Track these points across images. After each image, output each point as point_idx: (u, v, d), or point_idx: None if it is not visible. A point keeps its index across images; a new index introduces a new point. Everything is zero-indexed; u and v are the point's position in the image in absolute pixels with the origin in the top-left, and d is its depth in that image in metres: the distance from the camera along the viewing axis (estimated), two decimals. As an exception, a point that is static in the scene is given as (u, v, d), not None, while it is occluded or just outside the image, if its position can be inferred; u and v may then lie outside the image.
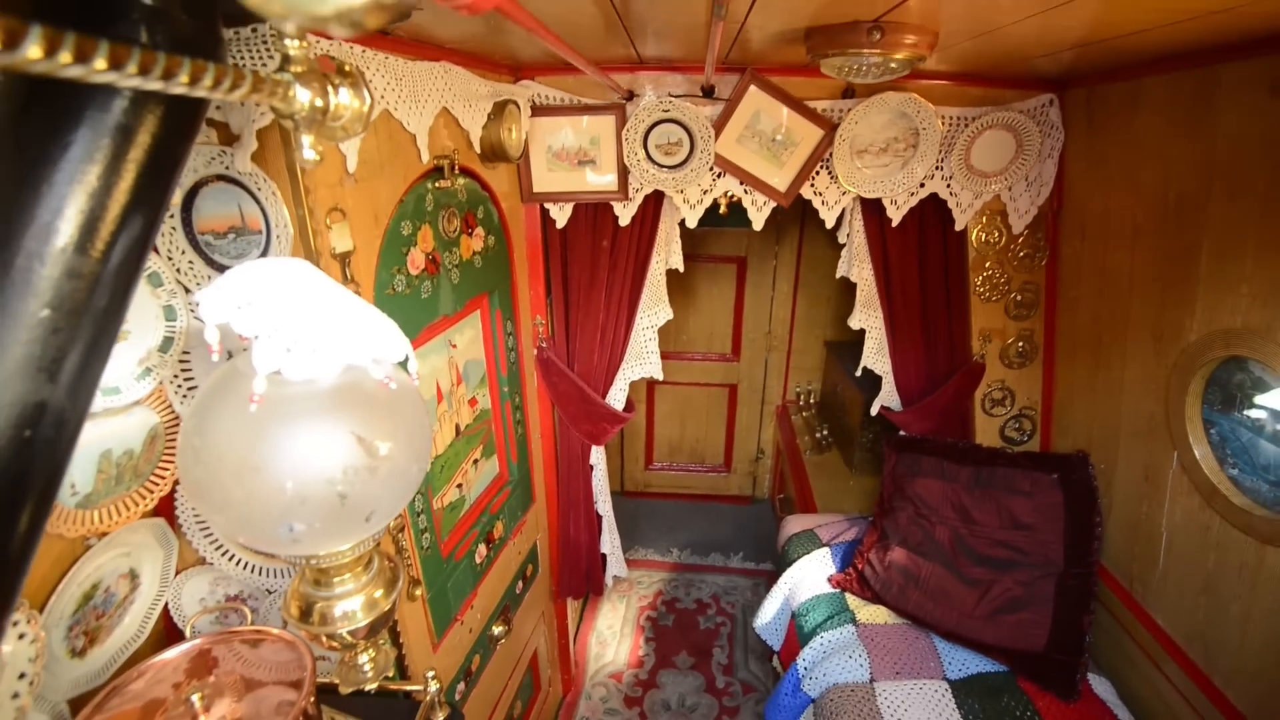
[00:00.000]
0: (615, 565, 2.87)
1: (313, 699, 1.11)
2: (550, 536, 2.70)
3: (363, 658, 1.15)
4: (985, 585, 2.15)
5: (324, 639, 1.00)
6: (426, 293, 1.65)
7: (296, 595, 0.99)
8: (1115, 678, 2.06)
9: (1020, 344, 2.40)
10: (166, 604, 1.26)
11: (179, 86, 0.47)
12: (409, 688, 1.45)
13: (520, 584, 2.43)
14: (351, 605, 0.99)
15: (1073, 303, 2.26)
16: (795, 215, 4.03)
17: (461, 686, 2.00)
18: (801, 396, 4.36)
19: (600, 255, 2.32)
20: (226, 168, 1.08)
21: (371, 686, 1.15)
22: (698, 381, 4.46)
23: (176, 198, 1.09)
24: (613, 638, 3.47)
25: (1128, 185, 1.93)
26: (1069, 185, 2.21)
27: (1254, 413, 1.51)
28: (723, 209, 2.45)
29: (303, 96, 0.61)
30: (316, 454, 0.75)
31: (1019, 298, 2.36)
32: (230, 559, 1.33)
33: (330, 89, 0.65)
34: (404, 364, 0.90)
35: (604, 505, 2.70)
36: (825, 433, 3.81)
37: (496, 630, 2.20)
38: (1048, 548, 2.12)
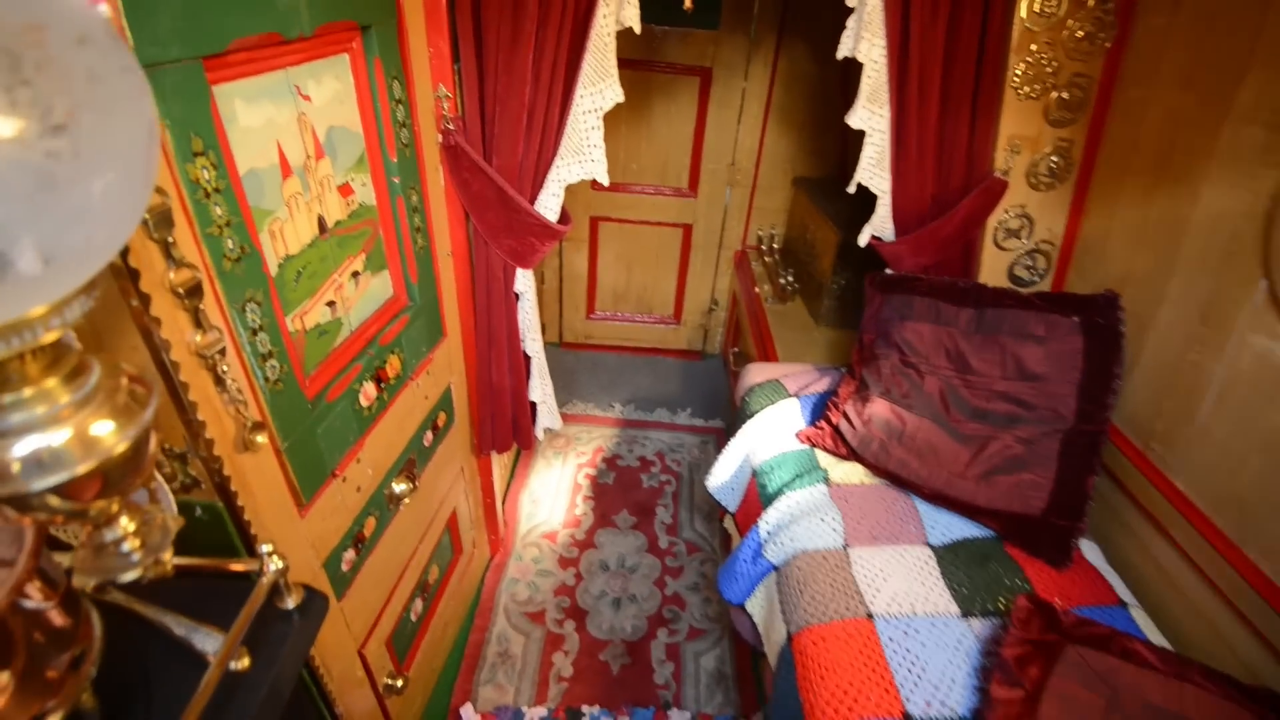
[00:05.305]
0: (547, 416, 2.46)
1: (38, 583, 0.65)
2: (468, 380, 2.24)
3: (113, 533, 0.67)
4: (981, 442, 1.84)
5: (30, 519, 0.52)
6: (233, -23, 1.02)
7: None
8: (1105, 543, 1.83)
9: (1054, 158, 1.94)
10: None
11: None
12: (236, 567, 1.01)
13: (430, 435, 1.99)
14: (48, 440, 0.50)
15: (1138, 104, 1.78)
16: (773, 21, 3.34)
17: (351, 554, 1.60)
18: (763, 241, 3.88)
19: (527, 2, 1.67)
20: None
21: (137, 574, 0.69)
22: (648, 220, 3.89)
23: None
24: (547, 496, 3.16)
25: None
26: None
27: None
28: (687, 3, 1.98)
29: None
30: None
31: (1065, 96, 1.86)
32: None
33: None
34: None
35: (533, 344, 2.22)
36: (790, 278, 3.39)
37: (398, 488, 1.79)
38: (1058, 401, 1.80)
